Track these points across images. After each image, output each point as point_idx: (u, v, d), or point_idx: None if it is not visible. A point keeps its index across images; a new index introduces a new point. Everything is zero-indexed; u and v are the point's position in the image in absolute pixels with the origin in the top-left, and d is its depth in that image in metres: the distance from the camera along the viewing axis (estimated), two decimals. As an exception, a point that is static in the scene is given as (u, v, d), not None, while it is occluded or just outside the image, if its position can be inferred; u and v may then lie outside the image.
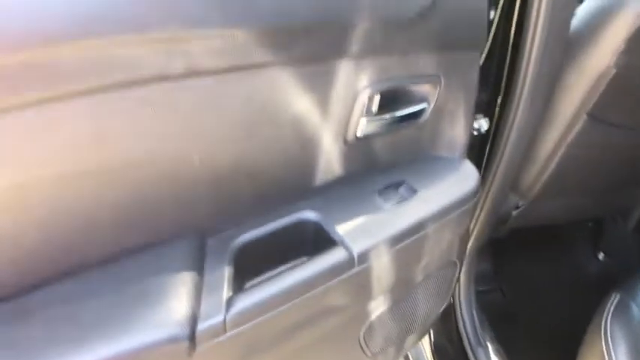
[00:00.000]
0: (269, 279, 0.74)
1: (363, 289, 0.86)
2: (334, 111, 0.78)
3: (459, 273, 1.15)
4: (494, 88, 1.10)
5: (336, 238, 0.81)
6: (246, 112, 0.69)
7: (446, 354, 1.47)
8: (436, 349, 1.49)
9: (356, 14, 0.70)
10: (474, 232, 1.31)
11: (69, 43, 0.52)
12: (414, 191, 0.91)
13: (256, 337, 0.71)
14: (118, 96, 0.58)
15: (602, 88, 1.07)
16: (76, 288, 0.65)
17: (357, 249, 0.80)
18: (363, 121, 0.82)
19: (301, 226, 0.84)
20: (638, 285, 1.14)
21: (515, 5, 0.98)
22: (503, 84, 1.07)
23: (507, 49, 1.03)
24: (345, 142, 0.84)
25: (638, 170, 1.45)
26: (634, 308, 1.07)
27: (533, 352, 1.50)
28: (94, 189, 0.62)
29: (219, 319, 0.66)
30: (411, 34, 0.78)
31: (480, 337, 1.42)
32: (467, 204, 0.96)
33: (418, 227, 0.88)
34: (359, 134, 0.84)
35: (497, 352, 1.42)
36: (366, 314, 0.93)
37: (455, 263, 1.10)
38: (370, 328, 0.95)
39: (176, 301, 0.65)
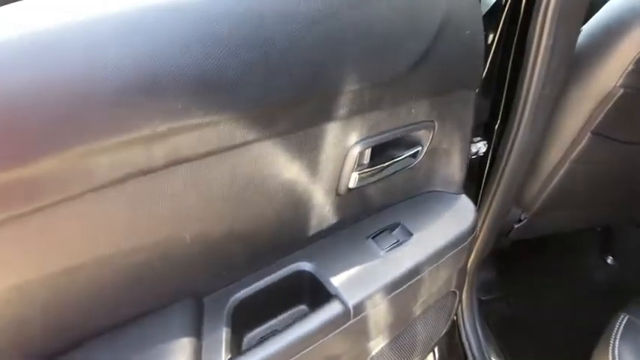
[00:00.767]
0: (267, 338, 0.79)
1: (360, 335, 0.91)
2: (324, 170, 0.81)
3: (459, 299, 1.20)
4: (492, 110, 1.12)
5: (331, 290, 0.85)
6: (234, 187, 0.72)
7: None
8: (440, 364, 1.55)
9: (344, 81, 0.72)
10: (476, 246, 1.35)
11: (48, 158, 0.53)
12: (409, 234, 0.95)
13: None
14: (102, 195, 0.61)
15: (608, 107, 1.09)
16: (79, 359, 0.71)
17: (352, 301, 0.84)
18: (355, 175, 0.86)
19: (297, 277, 0.89)
20: None
21: (515, 27, 1.00)
22: (502, 105, 1.09)
23: (506, 69, 1.05)
24: (338, 194, 0.88)
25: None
26: None
27: (537, 358, 1.55)
28: (90, 276, 0.66)
29: None
30: (402, 87, 0.81)
31: (485, 351, 1.47)
32: (464, 242, 1.00)
33: (414, 272, 0.92)
34: (351, 186, 0.87)
35: None
36: (365, 354, 0.98)
37: (454, 293, 1.15)
38: None
39: None
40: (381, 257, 0.91)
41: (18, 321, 0.64)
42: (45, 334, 0.67)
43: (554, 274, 1.80)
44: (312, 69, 0.68)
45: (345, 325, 0.84)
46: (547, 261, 1.80)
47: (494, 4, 0.99)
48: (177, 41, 0.58)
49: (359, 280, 0.87)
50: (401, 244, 0.93)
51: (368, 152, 0.85)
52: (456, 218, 1.00)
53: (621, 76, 1.03)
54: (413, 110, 0.86)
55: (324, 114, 0.74)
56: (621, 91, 1.05)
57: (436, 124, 0.91)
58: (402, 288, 0.91)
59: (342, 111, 0.75)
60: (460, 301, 1.36)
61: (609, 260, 1.88)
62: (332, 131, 0.78)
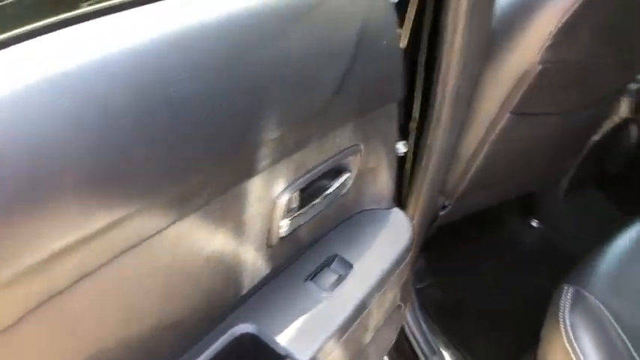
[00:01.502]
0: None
1: None
2: (252, 228, 0.75)
3: (404, 311, 1.19)
4: (407, 109, 1.10)
5: (279, 350, 0.81)
6: (157, 278, 0.65)
7: None
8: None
9: (265, 130, 0.65)
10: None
11: None
12: (349, 265, 0.92)
13: None
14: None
15: (525, 85, 1.09)
16: None
17: (304, 358, 0.80)
18: (286, 222, 0.80)
19: (238, 342, 0.83)
20: (590, 274, 1.23)
21: (424, 21, 0.97)
22: (418, 103, 1.07)
23: (416, 67, 1.02)
24: (270, 246, 0.82)
25: (566, 148, 1.55)
26: (591, 299, 1.14)
27: (485, 338, 1.60)
28: None
29: None
30: (325, 118, 0.76)
31: (433, 343, 1.50)
32: (405, 258, 0.99)
33: (362, 306, 0.89)
34: (283, 235, 0.82)
35: (449, 351, 1.51)
36: None
37: (400, 306, 1.14)
38: None
39: None
40: (324, 299, 0.87)
41: None
42: None
43: (482, 247, 1.85)
44: (228, 127, 0.61)
45: None
46: (473, 236, 1.85)
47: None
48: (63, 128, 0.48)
49: (307, 332, 0.83)
50: (343, 278, 0.90)
51: (296, 196, 0.80)
52: (392, 236, 0.98)
53: (539, 52, 1.03)
54: (337, 139, 0.82)
55: (245, 171, 0.68)
56: (540, 67, 1.06)
57: (362, 146, 0.87)
58: (353, 326, 0.88)
59: (264, 162, 0.69)
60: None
61: (534, 223, 1.97)
62: (256, 186, 0.71)
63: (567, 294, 1.14)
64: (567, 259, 1.30)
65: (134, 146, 0.52)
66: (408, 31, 0.96)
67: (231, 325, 0.82)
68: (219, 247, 0.72)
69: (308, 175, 0.80)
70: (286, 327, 0.83)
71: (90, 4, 0.56)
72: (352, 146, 0.86)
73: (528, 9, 1.02)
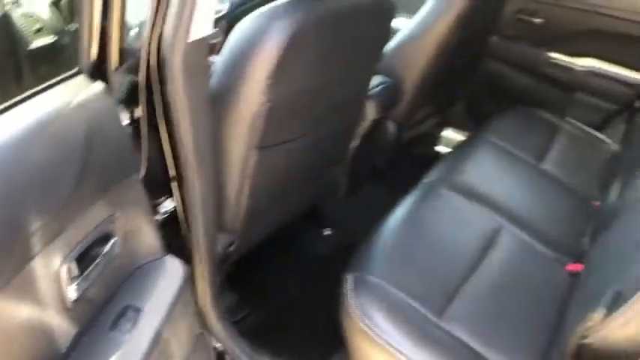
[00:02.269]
0: None
1: None
2: (48, 296, 0.89)
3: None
4: (165, 171, 1.24)
5: None
6: None
7: None
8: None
9: (29, 225, 0.80)
10: (205, 286, 1.47)
11: None
12: (139, 311, 1.07)
13: None
14: None
15: (260, 123, 1.30)
16: None
17: None
18: (72, 287, 0.93)
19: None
20: (366, 259, 1.44)
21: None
22: (171, 164, 1.21)
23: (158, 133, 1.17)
24: (68, 309, 0.95)
25: (326, 160, 1.79)
26: (371, 280, 1.34)
27: (306, 348, 1.77)
28: None
29: None
30: (76, 204, 0.92)
31: None
32: (182, 295, 1.15)
33: (155, 340, 1.05)
34: (74, 298, 0.95)
35: None
36: None
37: (202, 333, 1.29)
38: None
39: None
40: (127, 341, 1.02)
41: None
42: None
43: (286, 267, 2.04)
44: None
45: None
46: (274, 258, 2.03)
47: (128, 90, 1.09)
48: None
49: None
50: (136, 322, 1.06)
51: (74, 264, 0.94)
52: (168, 278, 1.15)
53: (262, 94, 1.24)
54: (95, 213, 0.96)
55: (27, 255, 0.82)
56: (267, 105, 1.27)
57: (118, 214, 1.01)
58: (154, 356, 1.03)
59: (39, 245, 0.83)
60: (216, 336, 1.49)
61: (327, 232, 2.21)
62: (40, 264, 0.85)
63: (349, 282, 1.35)
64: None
65: None
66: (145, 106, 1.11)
67: None
68: (27, 316, 0.85)
69: (78, 247, 0.94)
70: None
71: None
72: (109, 216, 1.02)
73: (247, 54, 1.22)
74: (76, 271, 0.94)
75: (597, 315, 1.02)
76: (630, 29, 2.45)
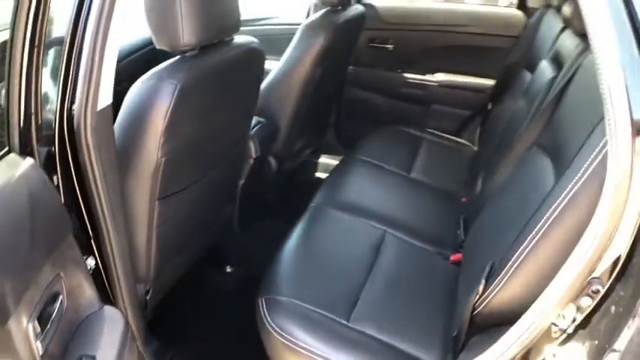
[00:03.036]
0: None
1: None
2: (22, 353, 0.99)
3: None
4: (83, 228, 1.35)
5: None
6: None
7: None
8: None
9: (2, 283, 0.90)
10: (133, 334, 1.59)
11: None
12: (93, 358, 1.17)
13: None
14: None
15: (159, 176, 1.44)
16: None
17: None
18: (38, 344, 1.03)
19: None
20: (271, 282, 1.58)
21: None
22: (87, 221, 1.34)
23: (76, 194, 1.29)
24: None
25: (221, 200, 1.96)
26: (281, 299, 1.50)
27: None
28: None
29: None
30: (29, 270, 1.01)
31: None
32: (127, 339, 1.27)
33: None
34: (42, 353, 1.04)
35: None
36: None
37: None
38: None
39: None
40: None
41: None
42: None
43: (197, 308, 2.16)
44: None
45: None
46: (186, 301, 2.15)
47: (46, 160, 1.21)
48: None
49: None
50: None
51: (36, 323, 1.03)
52: (111, 324, 1.25)
53: (158, 150, 1.39)
54: (45, 275, 1.06)
55: (3, 318, 0.92)
56: (163, 159, 1.41)
57: (62, 273, 1.12)
58: None
59: (12, 307, 0.94)
60: None
61: (229, 269, 2.37)
62: (12, 326, 0.95)
63: (263, 305, 1.50)
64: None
65: None
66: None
67: None
68: None
69: (38, 307, 1.03)
70: None
71: None
72: (56, 276, 1.11)
73: (143, 114, 1.36)
74: (38, 329, 1.04)
75: (481, 287, 1.26)
76: (470, 41, 2.89)
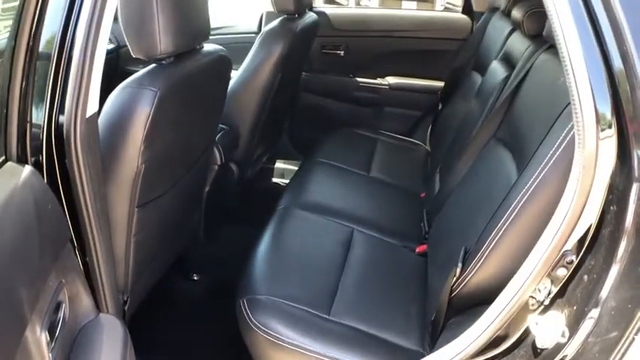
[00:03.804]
0: None
1: None
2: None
3: None
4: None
5: None
6: None
7: None
8: None
9: (19, 292, 0.92)
10: None
11: None
12: None
13: None
14: None
15: (138, 182, 1.47)
16: None
17: None
18: (48, 353, 1.03)
19: None
20: (247, 283, 1.62)
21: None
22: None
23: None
24: None
25: (191, 207, 2.00)
26: (260, 298, 1.54)
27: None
28: None
29: None
30: (39, 278, 1.02)
31: None
32: (127, 346, 1.28)
33: None
34: None
35: None
36: None
37: None
38: None
39: None
40: None
41: None
42: None
43: (168, 314, 2.18)
44: None
45: None
46: (155, 308, 2.15)
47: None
48: None
49: None
50: None
51: (46, 333, 1.04)
52: (112, 335, 1.27)
53: (139, 157, 1.41)
54: (50, 283, 1.07)
55: (22, 327, 0.94)
56: (143, 166, 1.44)
57: (64, 280, 1.14)
58: None
59: (28, 316, 0.96)
60: None
61: (195, 277, 2.40)
62: (29, 335, 0.96)
63: (243, 305, 1.54)
64: (230, 289, 1.73)
65: None
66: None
67: None
68: None
69: (47, 317, 1.05)
70: None
71: None
72: (59, 284, 1.13)
73: (121, 128, 1.39)
74: (48, 338, 1.05)
75: (458, 269, 1.35)
76: (419, 45, 3.03)
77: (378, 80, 3.13)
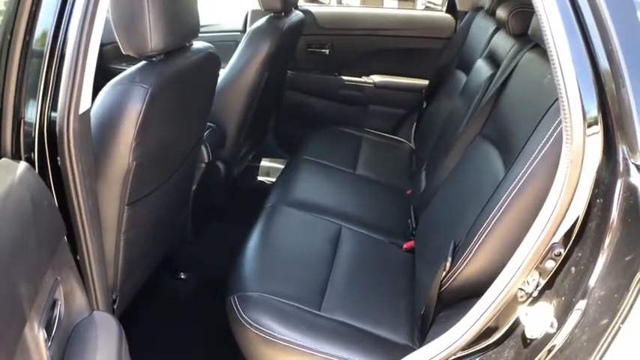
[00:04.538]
0: None
1: None
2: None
3: None
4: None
5: None
6: None
7: None
8: None
9: (19, 288, 0.93)
10: None
11: None
12: None
13: None
14: None
15: (129, 180, 1.48)
16: None
17: None
18: (46, 351, 1.04)
19: None
20: (238, 280, 1.64)
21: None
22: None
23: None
24: None
25: (178, 205, 2.01)
26: (252, 295, 1.55)
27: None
28: None
29: None
30: (38, 274, 1.03)
31: None
32: (122, 343, 1.30)
33: None
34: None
35: None
36: None
37: None
38: None
39: None
40: None
41: None
42: None
43: (156, 313, 2.19)
44: None
45: None
46: (142, 306, 2.16)
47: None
48: None
49: None
50: None
51: (43, 331, 1.05)
52: (107, 332, 1.27)
53: (130, 154, 1.42)
54: (47, 281, 1.08)
55: (22, 324, 0.94)
56: (134, 163, 1.45)
57: (59, 277, 1.14)
58: None
59: (27, 312, 0.96)
60: None
61: (182, 276, 2.41)
62: (28, 332, 0.96)
63: (234, 302, 1.56)
64: (218, 287, 1.74)
65: None
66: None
67: None
68: None
69: (45, 314, 1.05)
70: None
71: None
72: (55, 281, 1.13)
73: (112, 126, 1.39)
74: (45, 336, 1.05)
75: (448, 263, 1.39)
76: (403, 44, 3.08)
77: (363, 78, 3.16)
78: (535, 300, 1.08)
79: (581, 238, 1.02)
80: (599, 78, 0.96)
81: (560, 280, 1.04)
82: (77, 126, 1.19)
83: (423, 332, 1.47)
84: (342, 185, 2.36)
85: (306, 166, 2.44)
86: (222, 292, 1.64)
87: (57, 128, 1.17)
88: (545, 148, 1.18)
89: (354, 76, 3.16)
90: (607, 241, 0.95)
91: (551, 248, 1.04)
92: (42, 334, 1.03)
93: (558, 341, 0.99)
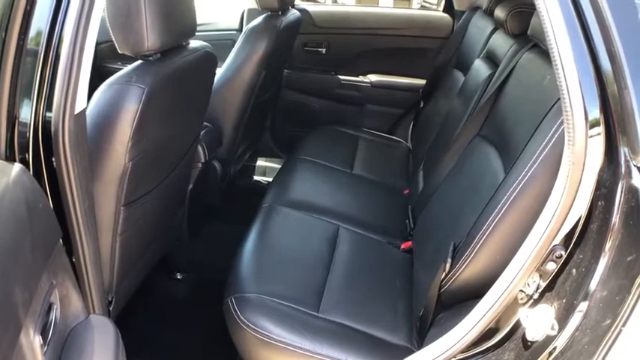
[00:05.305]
0: None
1: None
2: None
3: None
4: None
5: None
6: None
7: None
8: None
9: (15, 294, 0.91)
10: None
11: None
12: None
13: None
14: None
15: (125, 181, 1.47)
16: None
17: None
18: (42, 356, 1.02)
19: None
20: (235, 281, 1.63)
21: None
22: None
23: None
24: None
25: (174, 207, 2.01)
26: (249, 296, 1.55)
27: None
28: None
29: None
30: (33, 279, 1.02)
31: None
32: (120, 346, 1.28)
33: None
34: None
35: None
36: None
37: None
38: None
39: None
40: None
41: None
42: None
43: (152, 314, 2.19)
44: None
45: None
46: (138, 307, 2.16)
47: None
48: None
49: None
50: None
51: (39, 337, 1.03)
52: (104, 336, 1.26)
53: (126, 154, 1.41)
54: (42, 285, 1.06)
55: (17, 330, 0.92)
56: (130, 164, 1.44)
57: (54, 281, 1.13)
58: None
59: (22, 318, 0.94)
60: None
61: (179, 276, 2.41)
62: (23, 338, 0.94)
63: (231, 303, 1.55)
64: (214, 288, 1.74)
65: None
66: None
67: None
68: None
69: (40, 319, 1.03)
70: None
71: None
72: (51, 285, 1.11)
73: (108, 126, 1.39)
74: (41, 341, 1.03)
75: (448, 265, 1.38)
76: (400, 43, 3.07)
77: (360, 78, 3.16)
78: (536, 302, 1.08)
79: (582, 240, 1.02)
80: (601, 79, 0.96)
81: (561, 282, 1.04)
82: (72, 126, 1.18)
83: (421, 334, 1.47)
84: (339, 185, 2.36)
85: (303, 166, 2.43)
86: (219, 292, 1.63)
87: (52, 128, 1.16)
88: (547, 150, 1.18)
89: (350, 76, 3.15)
90: (608, 243, 0.95)
91: (553, 250, 1.04)
92: (38, 340, 1.01)
93: (559, 344, 0.99)
